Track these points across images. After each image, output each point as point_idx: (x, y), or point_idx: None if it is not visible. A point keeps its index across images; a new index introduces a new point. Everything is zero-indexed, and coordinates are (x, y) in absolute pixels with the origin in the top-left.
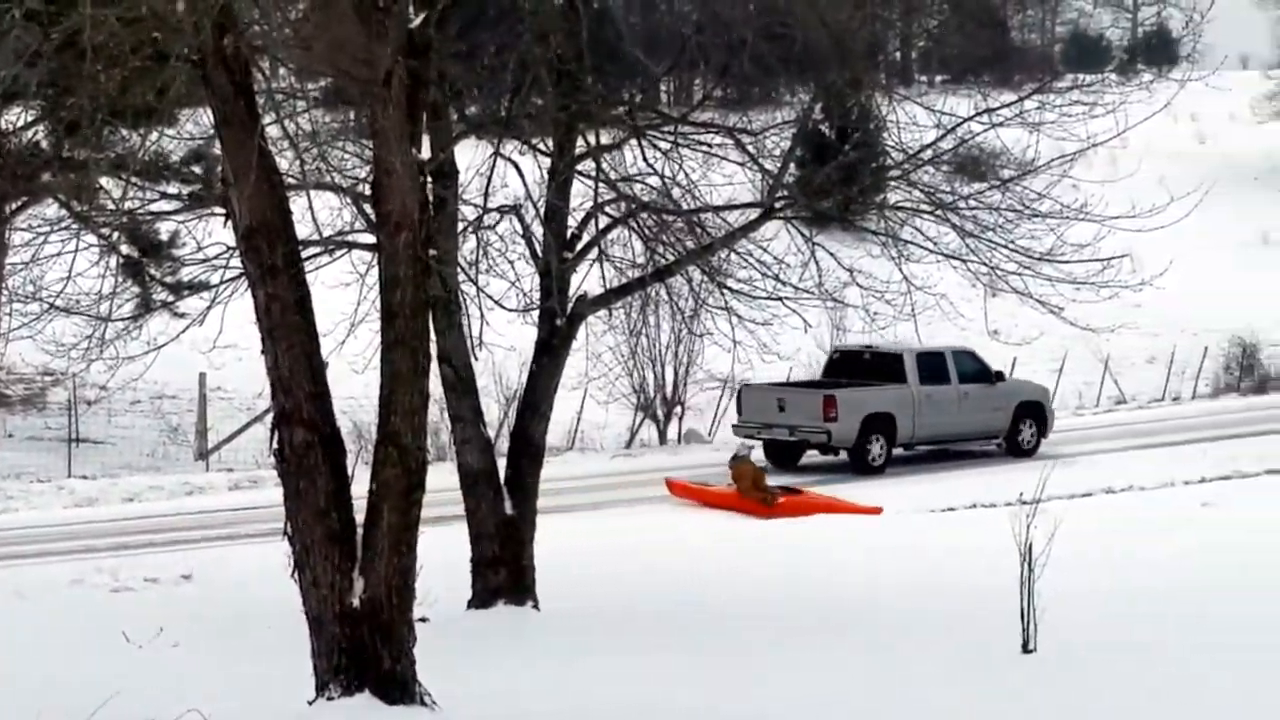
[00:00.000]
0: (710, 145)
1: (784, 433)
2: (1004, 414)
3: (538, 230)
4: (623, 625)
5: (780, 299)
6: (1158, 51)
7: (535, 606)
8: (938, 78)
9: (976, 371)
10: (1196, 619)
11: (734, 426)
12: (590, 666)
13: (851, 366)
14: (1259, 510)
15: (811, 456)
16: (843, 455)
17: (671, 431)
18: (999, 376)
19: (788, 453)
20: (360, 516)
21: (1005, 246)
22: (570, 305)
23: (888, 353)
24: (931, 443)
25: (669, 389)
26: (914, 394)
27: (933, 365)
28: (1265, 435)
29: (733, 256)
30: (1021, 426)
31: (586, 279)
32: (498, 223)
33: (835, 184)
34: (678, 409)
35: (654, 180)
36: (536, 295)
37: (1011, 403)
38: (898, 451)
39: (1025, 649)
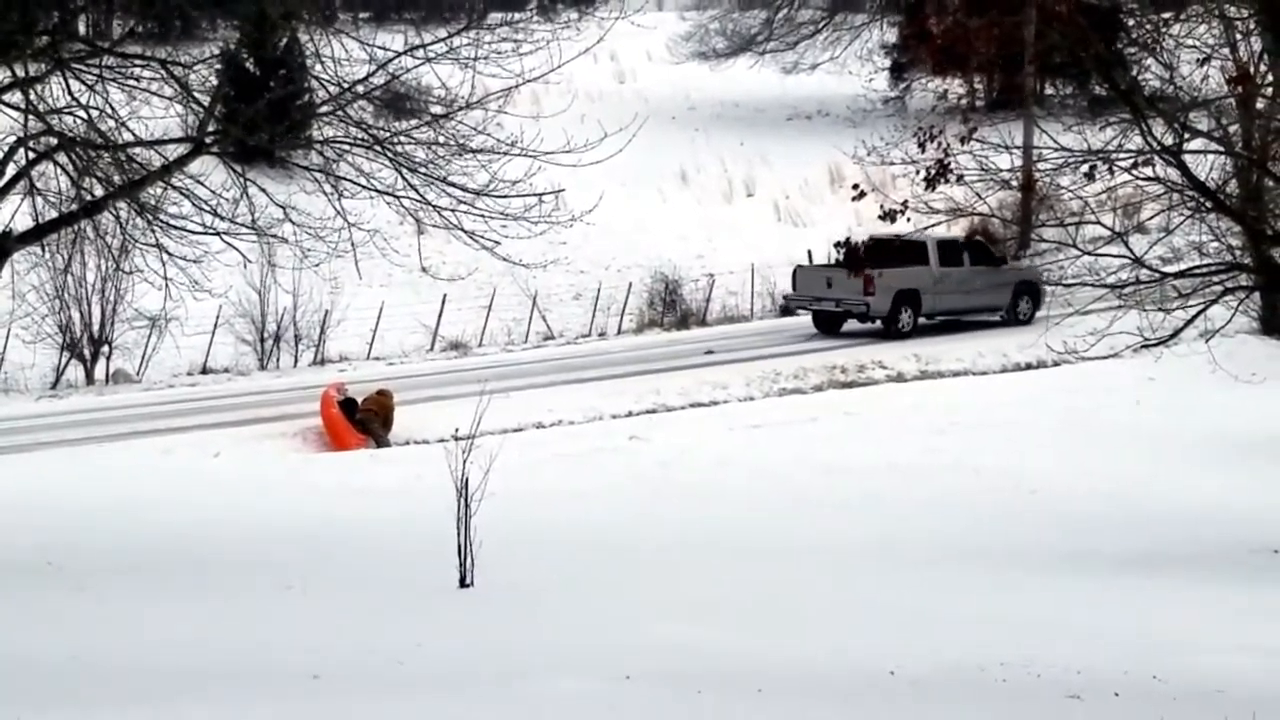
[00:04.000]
0: (138, 79)
1: (831, 304)
2: (1006, 291)
3: None
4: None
5: (217, 234)
6: None
7: None
8: (362, 14)
9: (984, 256)
10: (627, 548)
11: (786, 298)
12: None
13: (884, 251)
14: (681, 441)
15: (851, 324)
16: (878, 324)
17: (99, 371)
18: (1002, 260)
19: (833, 321)
20: None
21: (439, 182)
22: None
23: (914, 240)
24: (948, 314)
25: (96, 328)
26: (934, 274)
27: (950, 250)
28: (687, 369)
29: (168, 193)
30: (1020, 301)
31: (17, 214)
32: None
33: (265, 119)
34: (105, 349)
35: (83, 113)
36: None
37: (1012, 281)
38: (921, 321)
39: (463, 584)
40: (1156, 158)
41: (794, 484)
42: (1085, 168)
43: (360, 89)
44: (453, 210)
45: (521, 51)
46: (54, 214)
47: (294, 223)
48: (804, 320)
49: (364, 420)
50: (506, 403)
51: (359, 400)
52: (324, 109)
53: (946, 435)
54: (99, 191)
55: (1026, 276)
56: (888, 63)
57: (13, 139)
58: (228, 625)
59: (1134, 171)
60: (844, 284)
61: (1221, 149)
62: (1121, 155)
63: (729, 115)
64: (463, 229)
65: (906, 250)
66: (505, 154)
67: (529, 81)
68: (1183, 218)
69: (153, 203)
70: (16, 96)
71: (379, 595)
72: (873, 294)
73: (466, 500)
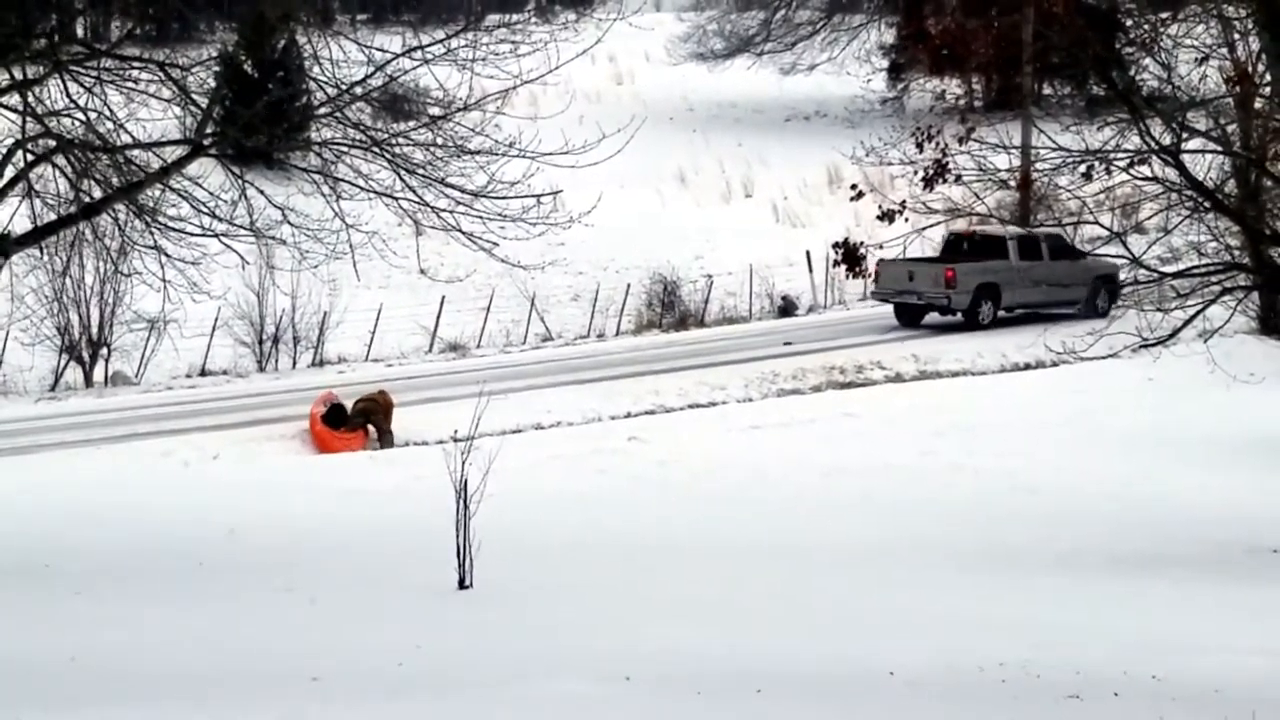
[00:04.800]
0: (136, 81)
1: (913, 297)
2: (1084, 284)
3: None
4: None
5: (216, 236)
6: None
7: None
8: (360, 16)
9: (1063, 250)
10: (626, 549)
11: (872, 293)
12: None
13: (964, 246)
14: (681, 443)
15: (932, 317)
16: (958, 316)
17: (98, 374)
18: (1081, 254)
19: (914, 313)
20: None
21: (438, 183)
22: None
23: (994, 235)
24: (1027, 307)
25: (94, 330)
26: (1015, 267)
27: (1029, 244)
28: (686, 370)
29: (166, 195)
30: (1098, 294)
31: (15, 216)
32: None
33: (263, 121)
34: (104, 351)
35: (81, 115)
36: None
37: (1090, 275)
38: (1001, 313)
39: (462, 585)
40: (1154, 157)
41: (792, 485)
42: (1083, 168)
43: (358, 90)
44: (451, 212)
45: (519, 53)
46: (52, 216)
47: (292, 224)
48: (806, 319)
49: (367, 411)
50: (505, 404)
51: (350, 403)
52: (322, 111)
53: (945, 436)
54: (97, 193)
55: (1104, 270)
56: (886, 63)
57: (11, 141)
58: (227, 627)
59: (1132, 171)
60: (926, 277)
61: (1220, 149)
62: (1119, 155)
63: (727, 116)
64: (461, 230)
65: (986, 244)
66: (503, 155)
67: (527, 83)
68: (1181, 218)
69: (151, 205)
70: (15, 99)
71: (378, 597)
72: (954, 287)
73: (465, 502)
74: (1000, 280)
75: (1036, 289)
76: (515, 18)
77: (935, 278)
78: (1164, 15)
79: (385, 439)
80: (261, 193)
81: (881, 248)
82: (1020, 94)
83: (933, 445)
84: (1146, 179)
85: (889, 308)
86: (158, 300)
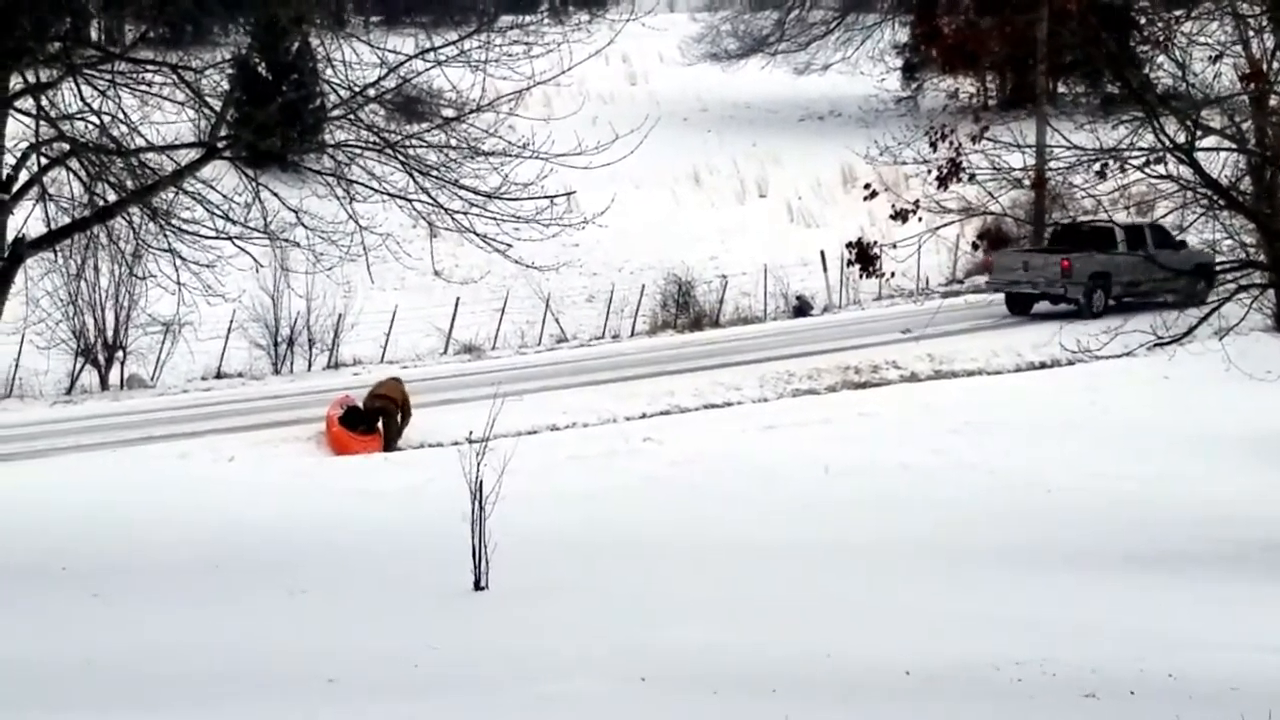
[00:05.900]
0: (150, 84)
1: (1028, 287)
2: (1185, 274)
3: None
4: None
5: (230, 238)
6: None
7: None
8: (373, 18)
9: (1166, 240)
10: (641, 550)
11: (986, 282)
12: None
13: (1072, 237)
14: (696, 443)
15: (1041, 306)
16: (1071, 305)
17: (114, 377)
18: (1181, 244)
19: (1026, 302)
20: None
21: (451, 185)
22: (9, 247)
23: (1102, 226)
24: (1134, 296)
25: (110, 333)
26: (1123, 257)
27: (1135, 235)
28: (701, 371)
29: (180, 198)
30: (1196, 283)
31: (30, 220)
32: None
33: (277, 123)
34: (119, 354)
35: (95, 119)
36: None
37: (1189, 264)
38: (1110, 302)
39: (477, 586)
40: (1169, 156)
41: (807, 485)
42: (1097, 166)
43: (371, 92)
44: (465, 213)
45: (532, 54)
46: (67, 220)
47: (306, 226)
48: (820, 319)
49: (383, 410)
50: (520, 405)
51: (365, 395)
52: (335, 113)
53: (961, 435)
54: (111, 197)
55: (1202, 259)
56: (899, 63)
57: (25, 145)
58: (243, 629)
59: (1146, 170)
60: (1041, 268)
61: (1234, 146)
62: (1134, 153)
63: (741, 116)
64: (475, 232)
65: (1095, 235)
66: (517, 156)
67: (540, 84)
68: (1196, 216)
69: (165, 207)
70: (29, 103)
71: (393, 598)
72: (1069, 277)
73: (480, 503)
74: (1110, 269)
75: (1141, 277)
76: (528, 19)
77: (1051, 268)
78: (1178, 13)
79: (391, 445)
80: (275, 195)
81: (895, 247)
82: (1034, 92)
83: (947, 444)
84: (1161, 177)
85: (904, 308)
86: (172, 303)
